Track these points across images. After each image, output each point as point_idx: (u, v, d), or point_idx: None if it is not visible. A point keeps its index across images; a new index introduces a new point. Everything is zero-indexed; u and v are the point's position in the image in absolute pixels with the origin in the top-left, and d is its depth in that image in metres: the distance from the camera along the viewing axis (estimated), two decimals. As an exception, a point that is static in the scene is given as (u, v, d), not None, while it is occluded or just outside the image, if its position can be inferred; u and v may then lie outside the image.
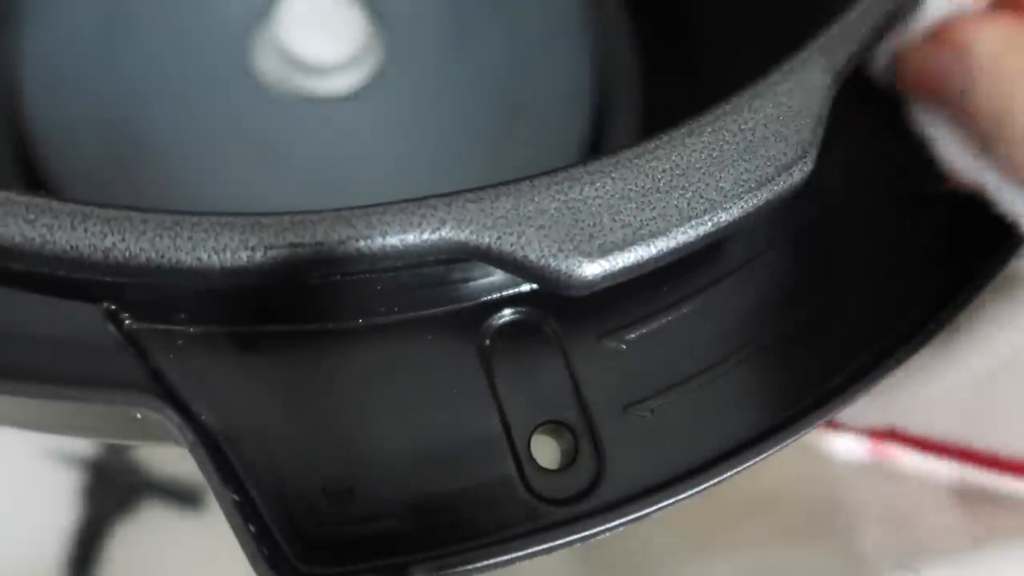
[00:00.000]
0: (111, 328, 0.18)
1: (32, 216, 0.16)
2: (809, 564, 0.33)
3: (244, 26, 0.36)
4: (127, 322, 0.18)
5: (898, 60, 0.22)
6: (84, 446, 0.35)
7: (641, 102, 0.38)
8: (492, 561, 0.18)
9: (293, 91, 0.36)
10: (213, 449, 0.17)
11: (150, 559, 0.35)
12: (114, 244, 0.17)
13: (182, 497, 0.35)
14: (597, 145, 0.37)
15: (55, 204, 0.17)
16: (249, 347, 0.18)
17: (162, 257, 0.17)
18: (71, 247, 0.16)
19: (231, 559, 0.33)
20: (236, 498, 0.16)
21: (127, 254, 0.17)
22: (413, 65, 0.37)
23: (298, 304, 0.18)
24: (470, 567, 0.17)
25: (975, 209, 0.21)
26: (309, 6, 0.35)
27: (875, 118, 0.22)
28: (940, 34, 0.21)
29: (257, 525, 0.16)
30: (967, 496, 0.32)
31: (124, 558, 0.35)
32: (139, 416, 0.17)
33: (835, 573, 0.33)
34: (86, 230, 0.17)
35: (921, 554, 0.32)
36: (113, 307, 0.18)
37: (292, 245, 0.17)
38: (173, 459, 0.35)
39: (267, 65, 0.36)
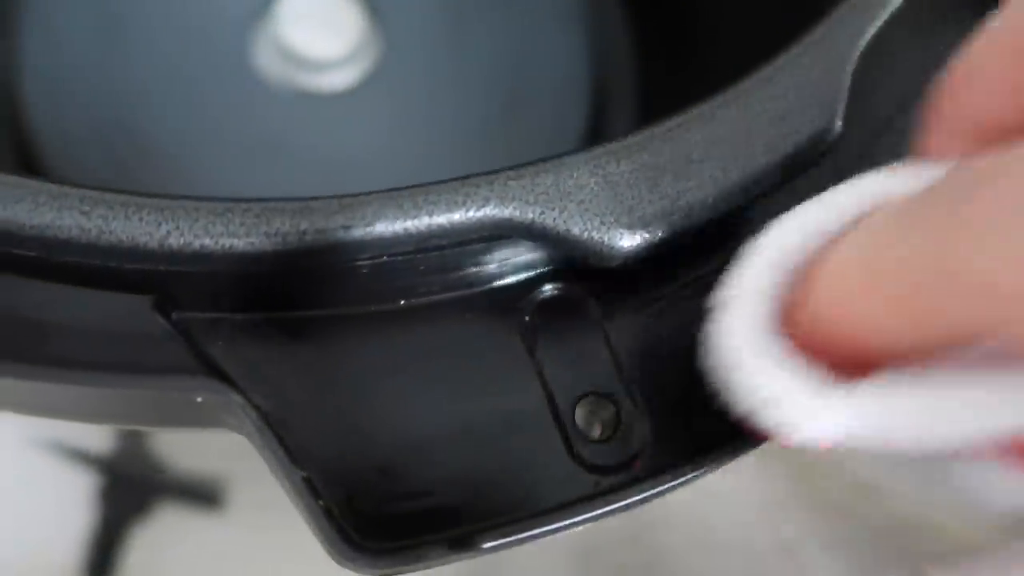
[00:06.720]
0: (160, 318, 0.18)
1: (87, 208, 0.17)
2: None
3: (243, 23, 0.36)
4: (174, 312, 0.18)
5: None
6: (100, 446, 0.35)
7: (638, 89, 0.39)
8: (546, 528, 0.18)
9: (293, 87, 0.36)
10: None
11: (169, 560, 0.35)
12: (169, 232, 0.17)
13: (201, 496, 0.35)
14: (595, 132, 0.37)
15: (108, 195, 0.17)
16: (294, 332, 0.19)
17: (216, 243, 0.17)
18: (127, 236, 0.17)
19: (252, 558, 0.33)
20: (304, 474, 0.16)
21: (182, 241, 0.17)
22: (411, 59, 0.37)
23: (342, 288, 0.19)
24: (526, 535, 0.18)
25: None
26: (307, 3, 0.35)
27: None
28: None
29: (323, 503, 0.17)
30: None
31: (143, 559, 0.34)
32: (200, 400, 0.17)
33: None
34: (141, 219, 0.17)
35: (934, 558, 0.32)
36: (160, 297, 0.18)
37: (343, 227, 0.17)
38: (190, 457, 0.35)
39: (267, 62, 0.36)
